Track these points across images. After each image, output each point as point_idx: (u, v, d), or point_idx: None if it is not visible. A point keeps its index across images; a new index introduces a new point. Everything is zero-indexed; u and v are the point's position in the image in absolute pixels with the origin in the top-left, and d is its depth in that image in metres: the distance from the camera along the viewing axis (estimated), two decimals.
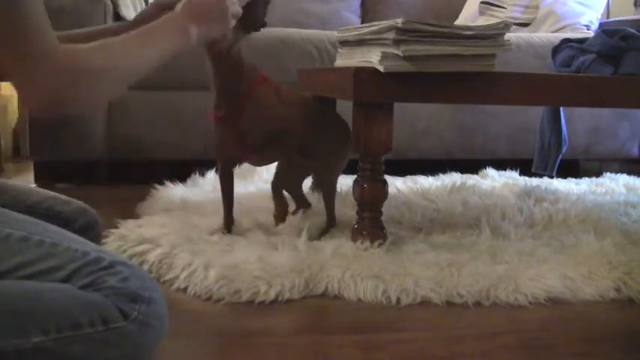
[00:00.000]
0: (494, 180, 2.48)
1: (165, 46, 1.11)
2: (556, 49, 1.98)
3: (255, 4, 1.46)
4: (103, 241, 1.50)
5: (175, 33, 1.12)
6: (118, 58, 1.02)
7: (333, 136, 1.64)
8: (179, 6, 1.13)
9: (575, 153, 2.79)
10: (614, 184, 2.47)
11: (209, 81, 1.53)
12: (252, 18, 1.46)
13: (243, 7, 1.32)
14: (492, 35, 1.44)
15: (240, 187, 1.66)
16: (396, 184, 2.28)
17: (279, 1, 3.39)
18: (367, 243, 1.49)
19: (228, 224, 1.61)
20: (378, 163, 1.53)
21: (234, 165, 1.65)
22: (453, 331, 1.18)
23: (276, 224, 1.63)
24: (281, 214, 1.65)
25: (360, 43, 1.55)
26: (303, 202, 1.75)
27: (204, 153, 2.52)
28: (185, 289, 1.32)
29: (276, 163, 1.69)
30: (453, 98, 1.56)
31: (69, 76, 0.92)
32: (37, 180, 2.57)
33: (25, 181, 2.56)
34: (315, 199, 1.78)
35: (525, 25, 3.18)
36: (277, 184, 1.66)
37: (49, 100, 0.93)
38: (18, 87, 0.92)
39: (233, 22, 1.21)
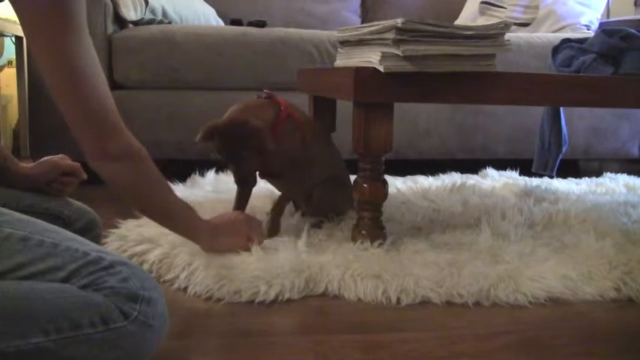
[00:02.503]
0: (494, 180, 2.48)
1: (180, 232, 1.32)
2: (556, 49, 1.98)
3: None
4: (103, 241, 1.50)
5: (197, 238, 1.34)
6: (158, 198, 1.18)
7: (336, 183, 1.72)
8: (215, 223, 1.38)
9: (575, 153, 2.79)
10: (614, 184, 2.47)
11: None
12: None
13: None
14: (492, 35, 1.44)
15: None
16: (396, 184, 2.28)
17: (279, 1, 3.40)
18: (367, 243, 1.49)
19: None
20: (378, 163, 1.53)
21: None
22: (453, 331, 1.18)
23: None
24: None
25: (360, 43, 1.55)
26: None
27: (205, 153, 2.52)
28: (185, 289, 1.32)
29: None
30: (453, 98, 1.56)
31: (126, 162, 1.07)
32: None
33: None
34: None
35: (525, 25, 3.18)
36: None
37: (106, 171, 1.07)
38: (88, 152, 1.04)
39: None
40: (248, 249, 1.39)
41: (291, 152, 1.57)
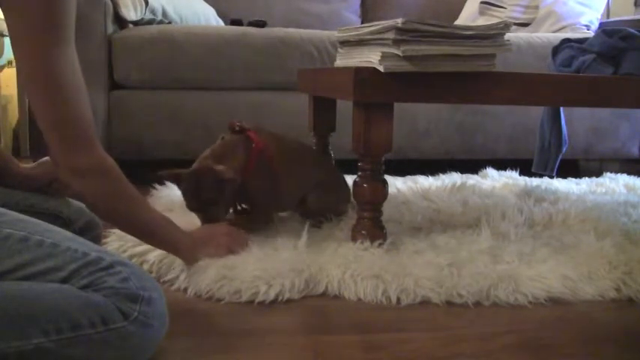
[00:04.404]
0: (494, 180, 2.48)
1: (160, 247, 1.32)
2: (556, 49, 1.98)
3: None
4: (104, 241, 1.50)
5: (177, 251, 1.32)
6: (135, 211, 1.16)
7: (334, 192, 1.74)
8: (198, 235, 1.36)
9: (575, 153, 2.79)
10: (614, 184, 2.47)
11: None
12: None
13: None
14: (492, 35, 1.44)
15: None
16: (396, 184, 2.28)
17: (279, 1, 3.40)
18: (367, 243, 1.49)
19: None
20: (378, 163, 1.53)
21: None
22: (453, 331, 1.18)
23: None
24: None
25: (360, 43, 1.55)
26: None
27: None
28: (185, 290, 1.32)
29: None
30: (453, 98, 1.56)
31: (98, 175, 1.05)
32: None
33: None
34: None
35: (525, 25, 3.18)
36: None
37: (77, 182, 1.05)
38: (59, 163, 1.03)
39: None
40: None
41: (264, 187, 1.58)
